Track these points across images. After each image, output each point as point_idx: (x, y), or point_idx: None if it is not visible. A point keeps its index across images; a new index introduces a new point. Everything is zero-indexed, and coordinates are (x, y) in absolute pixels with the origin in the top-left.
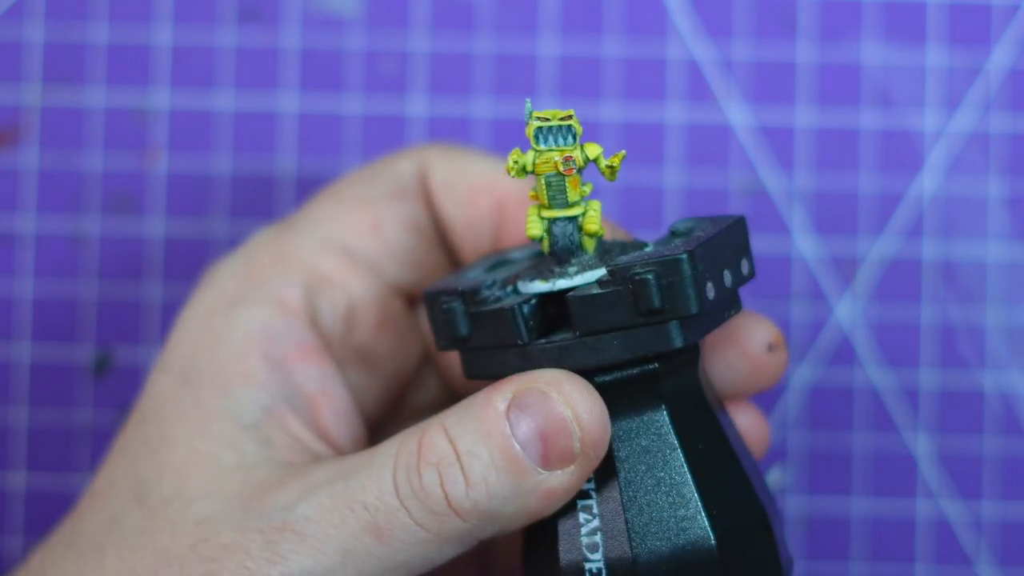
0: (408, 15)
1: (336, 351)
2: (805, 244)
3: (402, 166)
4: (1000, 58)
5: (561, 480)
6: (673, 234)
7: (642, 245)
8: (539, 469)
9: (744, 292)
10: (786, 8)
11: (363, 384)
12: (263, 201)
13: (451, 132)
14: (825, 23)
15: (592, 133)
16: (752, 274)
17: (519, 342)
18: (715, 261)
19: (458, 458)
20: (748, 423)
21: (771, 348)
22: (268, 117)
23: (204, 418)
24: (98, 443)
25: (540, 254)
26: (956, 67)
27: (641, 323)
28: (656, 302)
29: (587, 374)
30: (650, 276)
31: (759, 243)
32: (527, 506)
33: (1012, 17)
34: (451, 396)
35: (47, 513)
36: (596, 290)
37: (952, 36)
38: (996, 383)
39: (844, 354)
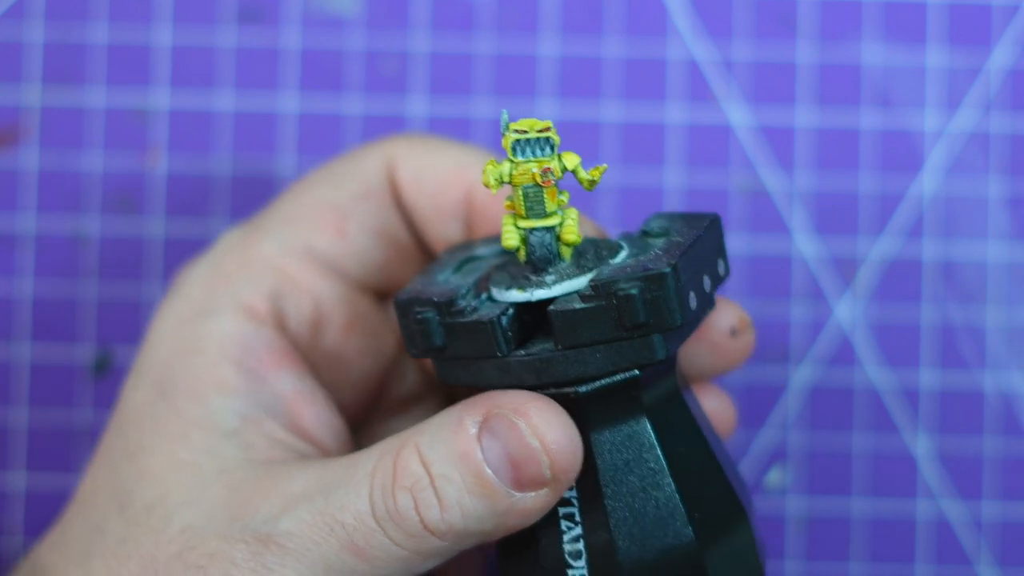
0: (408, 15)
1: (306, 353)
2: (805, 244)
3: (368, 163)
4: (1000, 58)
5: (535, 500)
6: (646, 233)
7: (616, 246)
8: (511, 492)
9: (745, 292)
10: (786, 8)
11: (338, 383)
12: (263, 201)
13: (451, 132)
14: (825, 23)
15: (592, 133)
16: (727, 273)
17: (498, 355)
18: (696, 269)
19: (431, 482)
20: (714, 405)
21: (734, 332)
22: (268, 117)
23: (183, 428)
24: (98, 443)
25: (507, 251)
26: (956, 67)
27: (624, 336)
28: (641, 317)
29: (568, 384)
30: (635, 291)
31: (759, 243)
32: (504, 523)
33: (1012, 17)
34: (431, 383)
35: (47, 513)
36: (579, 304)
37: (952, 36)
38: (996, 383)
39: (844, 354)
